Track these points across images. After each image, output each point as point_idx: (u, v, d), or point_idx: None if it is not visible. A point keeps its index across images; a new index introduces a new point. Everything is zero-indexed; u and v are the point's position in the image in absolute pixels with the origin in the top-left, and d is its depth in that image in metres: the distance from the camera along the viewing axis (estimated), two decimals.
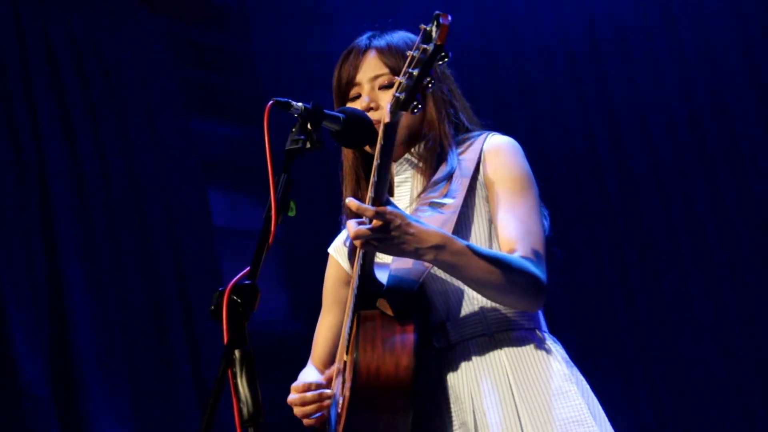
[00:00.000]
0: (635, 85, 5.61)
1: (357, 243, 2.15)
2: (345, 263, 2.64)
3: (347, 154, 2.58)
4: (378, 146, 2.14)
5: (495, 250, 2.32)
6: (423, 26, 2.02)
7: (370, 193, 2.17)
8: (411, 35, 2.57)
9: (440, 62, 2.00)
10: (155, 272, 5.12)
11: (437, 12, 1.99)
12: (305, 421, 2.48)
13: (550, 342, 2.42)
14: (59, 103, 5.02)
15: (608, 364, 5.46)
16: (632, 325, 5.53)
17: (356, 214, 2.16)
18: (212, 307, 1.95)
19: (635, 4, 5.65)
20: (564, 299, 5.53)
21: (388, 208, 2.12)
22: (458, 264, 2.21)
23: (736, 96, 5.41)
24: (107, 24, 5.33)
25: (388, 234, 2.12)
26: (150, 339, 5.01)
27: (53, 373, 4.61)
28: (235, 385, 1.90)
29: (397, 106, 2.07)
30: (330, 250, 2.71)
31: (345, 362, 2.41)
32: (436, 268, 2.34)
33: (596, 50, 5.71)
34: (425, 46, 2.00)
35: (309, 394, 2.44)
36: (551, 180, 5.49)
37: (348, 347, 2.36)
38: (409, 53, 2.04)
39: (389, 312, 2.26)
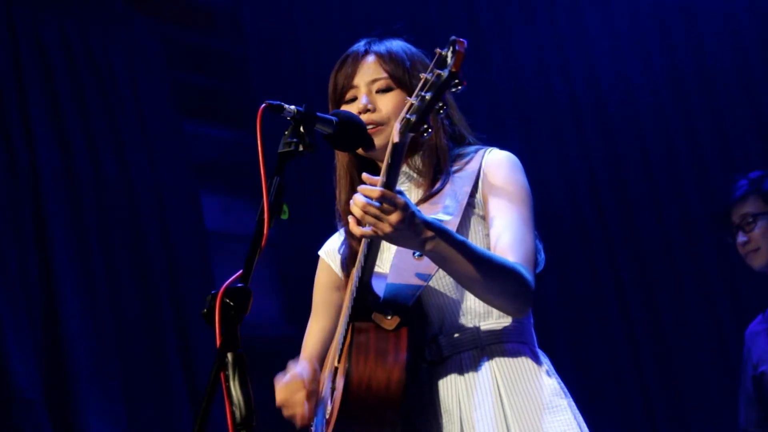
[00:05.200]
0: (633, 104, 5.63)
1: (359, 226, 2.13)
2: (336, 267, 2.64)
3: (341, 157, 2.57)
4: (385, 165, 2.12)
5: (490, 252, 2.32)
6: (438, 50, 2.00)
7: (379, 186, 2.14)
8: (408, 45, 2.56)
9: (454, 89, 1.98)
10: (148, 276, 5.12)
11: (453, 38, 1.97)
12: (295, 417, 2.44)
13: (541, 356, 2.43)
14: (52, 106, 5.01)
15: (605, 384, 5.48)
16: (628, 337, 5.53)
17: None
18: (205, 311, 1.95)
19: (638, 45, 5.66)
20: (560, 314, 5.53)
21: (397, 195, 2.12)
22: (453, 257, 2.19)
23: (735, 126, 5.42)
24: (99, 27, 5.32)
25: (393, 217, 2.09)
26: (142, 342, 5.00)
27: (46, 377, 4.60)
28: (228, 388, 1.90)
29: (407, 128, 2.06)
30: (321, 253, 2.70)
31: (336, 368, 2.41)
32: (432, 282, 2.34)
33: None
34: (439, 71, 1.99)
35: (299, 395, 2.42)
36: (547, 199, 5.52)
37: (340, 356, 2.37)
38: (423, 75, 2.03)
39: (384, 325, 2.26)
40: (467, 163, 2.46)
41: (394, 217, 2.09)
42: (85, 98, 5.13)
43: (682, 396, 5.36)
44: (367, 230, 2.13)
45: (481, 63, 5.77)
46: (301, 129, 2.16)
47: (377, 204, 2.09)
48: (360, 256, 2.25)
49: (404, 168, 2.49)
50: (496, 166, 2.45)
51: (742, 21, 5.46)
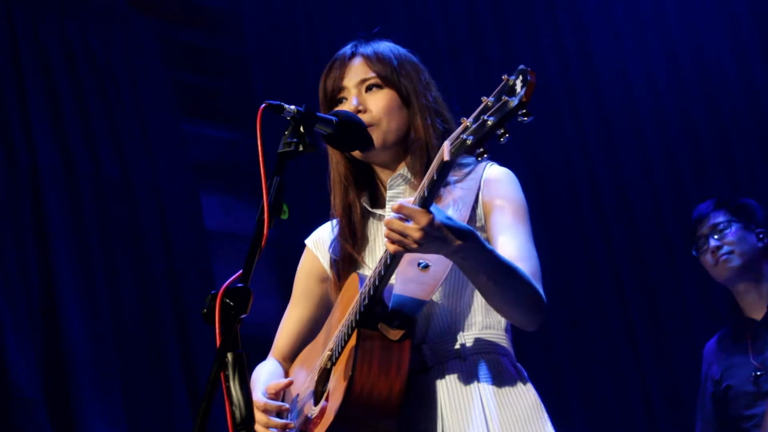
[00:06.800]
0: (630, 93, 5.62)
1: (392, 245, 2.14)
2: (323, 260, 2.63)
3: (335, 161, 2.57)
4: (428, 180, 2.11)
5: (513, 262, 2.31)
6: (506, 77, 1.98)
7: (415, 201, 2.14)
8: (396, 46, 2.57)
9: (520, 119, 1.96)
10: (148, 275, 5.11)
11: (524, 67, 1.96)
12: None
13: (522, 369, 2.44)
14: (51, 106, 5.01)
15: (605, 384, 5.47)
16: (628, 337, 5.52)
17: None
18: (205, 311, 1.95)
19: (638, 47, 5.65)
20: (560, 314, 5.53)
21: (432, 212, 2.12)
22: (482, 267, 2.21)
23: (735, 126, 5.42)
24: (99, 27, 5.32)
25: (417, 234, 2.10)
26: (142, 342, 5.00)
27: (46, 377, 4.60)
28: (228, 388, 1.90)
29: (461, 148, 2.03)
30: (308, 242, 2.70)
31: (325, 369, 2.42)
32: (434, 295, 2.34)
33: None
34: (507, 98, 1.96)
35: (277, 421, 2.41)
36: (547, 199, 5.51)
37: (335, 357, 2.38)
38: (484, 99, 2.02)
39: (389, 335, 2.27)
40: (467, 174, 2.47)
41: (418, 234, 2.10)
42: (84, 98, 5.13)
43: (682, 396, 5.35)
44: (396, 246, 2.13)
45: (481, 63, 5.77)
46: (301, 129, 2.16)
47: (409, 223, 2.10)
48: (380, 267, 2.25)
49: (401, 171, 2.49)
50: (497, 180, 2.47)
51: (742, 21, 5.46)
